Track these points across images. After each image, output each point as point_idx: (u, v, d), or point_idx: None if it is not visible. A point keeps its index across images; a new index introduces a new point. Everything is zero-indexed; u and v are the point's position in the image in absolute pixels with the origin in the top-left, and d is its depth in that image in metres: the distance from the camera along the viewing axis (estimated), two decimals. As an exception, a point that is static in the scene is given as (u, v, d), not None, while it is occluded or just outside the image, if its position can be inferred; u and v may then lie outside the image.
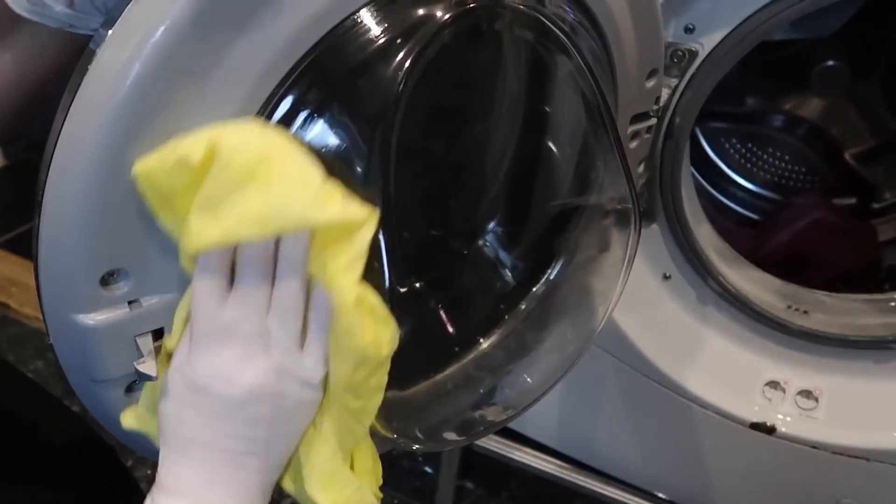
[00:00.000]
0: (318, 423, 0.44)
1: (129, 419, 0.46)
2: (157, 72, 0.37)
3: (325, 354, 0.41)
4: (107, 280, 0.41)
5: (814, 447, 0.88)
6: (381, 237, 0.45)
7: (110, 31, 0.36)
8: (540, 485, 1.18)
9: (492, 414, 0.58)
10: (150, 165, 0.37)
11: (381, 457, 0.49)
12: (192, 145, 0.37)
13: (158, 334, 0.45)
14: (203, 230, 0.37)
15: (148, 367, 0.43)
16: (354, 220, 0.37)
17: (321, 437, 0.44)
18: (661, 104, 0.71)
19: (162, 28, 0.36)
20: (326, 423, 0.44)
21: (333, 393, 0.43)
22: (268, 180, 0.36)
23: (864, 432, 0.85)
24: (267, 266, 0.39)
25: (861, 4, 1.07)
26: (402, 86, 0.44)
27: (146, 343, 0.44)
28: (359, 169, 0.46)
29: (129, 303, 0.42)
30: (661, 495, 1.07)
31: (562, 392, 1.03)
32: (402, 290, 0.55)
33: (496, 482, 1.26)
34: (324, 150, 0.45)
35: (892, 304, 0.87)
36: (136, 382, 0.46)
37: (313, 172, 0.36)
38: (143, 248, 0.41)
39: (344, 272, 0.37)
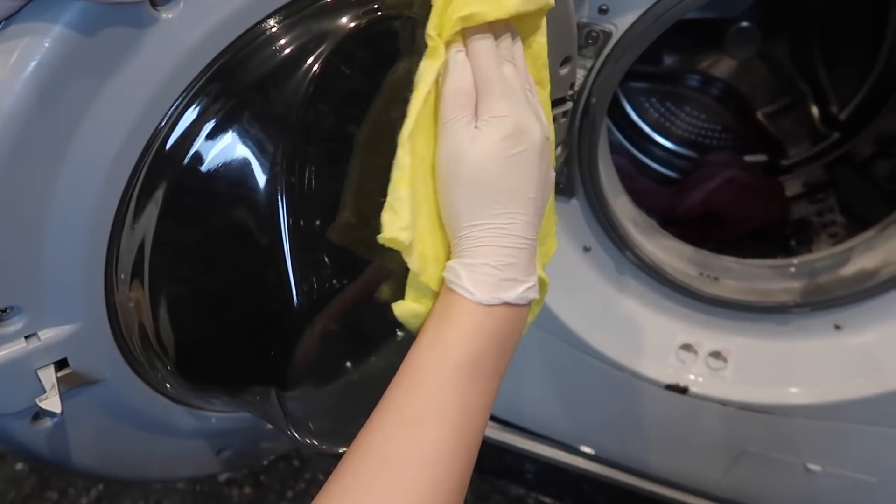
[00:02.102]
0: None
1: (411, 311, 0.43)
2: (49, 90, 0.35)
3: None
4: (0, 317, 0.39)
5: (723, 404, 0.94)
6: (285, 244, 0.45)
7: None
8: (471, 444, 1.22)
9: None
10: None
11: None
12: None
13: (62, 365, 0.43)
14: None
15: (51, 402, 0.42)
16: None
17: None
18: (576, 88, 0.71)
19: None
20: None
21: None
22: None
23: (767, 389, 0.92)
24: None
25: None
26: (311, 88, 0.43)
27: (48, 376, 0.43)
28: (264, 176, 0.45)
29: (26, 337, 0.41)
30: (585, 449, 1.12)
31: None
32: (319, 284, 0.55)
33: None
34: (232, 160, 0.44)
35: (792, 269, 0.92)
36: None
37: None
38: (34, 282, 0.40)
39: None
